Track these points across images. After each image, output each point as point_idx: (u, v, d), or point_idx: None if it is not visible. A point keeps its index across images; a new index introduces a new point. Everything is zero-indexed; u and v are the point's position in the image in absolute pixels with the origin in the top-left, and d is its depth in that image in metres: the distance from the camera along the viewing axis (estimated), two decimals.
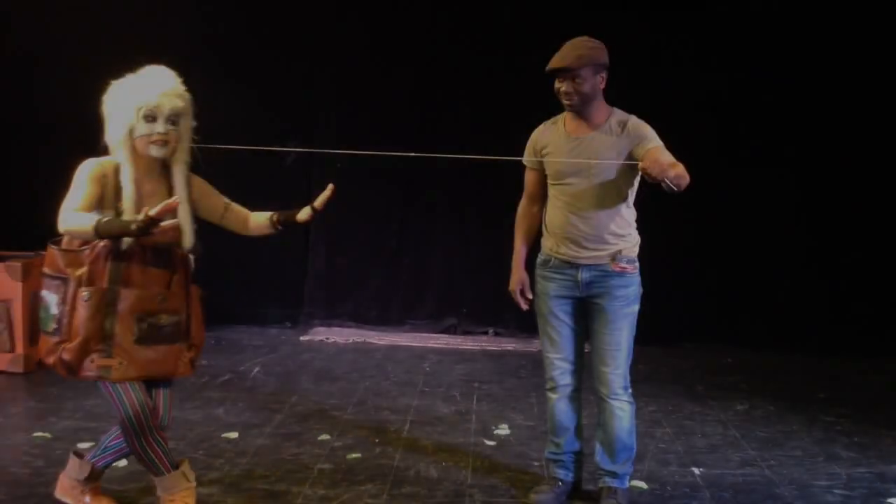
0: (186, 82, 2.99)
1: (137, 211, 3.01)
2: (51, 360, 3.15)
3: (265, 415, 4.67)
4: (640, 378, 3.69)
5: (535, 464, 4.06)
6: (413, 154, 4.01)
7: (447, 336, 6.59)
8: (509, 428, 4.56)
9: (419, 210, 6.65)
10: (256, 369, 5.59)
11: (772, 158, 6.33)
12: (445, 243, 6.66)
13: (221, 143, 4.09)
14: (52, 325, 3.12)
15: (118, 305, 3.09)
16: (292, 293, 6.80)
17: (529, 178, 3.65)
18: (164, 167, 3.19)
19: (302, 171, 6.63)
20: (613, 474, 3.57)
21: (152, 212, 2.87)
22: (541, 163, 3.56)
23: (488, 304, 6.54)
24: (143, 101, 3.05)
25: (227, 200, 3.39)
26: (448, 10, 6.43)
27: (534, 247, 3.68)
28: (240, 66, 6.44)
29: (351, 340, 6.42)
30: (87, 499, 3.38)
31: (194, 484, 3.35)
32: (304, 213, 3.38)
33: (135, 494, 3.57)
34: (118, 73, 3.17)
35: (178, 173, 3.18)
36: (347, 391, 5.18)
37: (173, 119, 3.10)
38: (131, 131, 3.06)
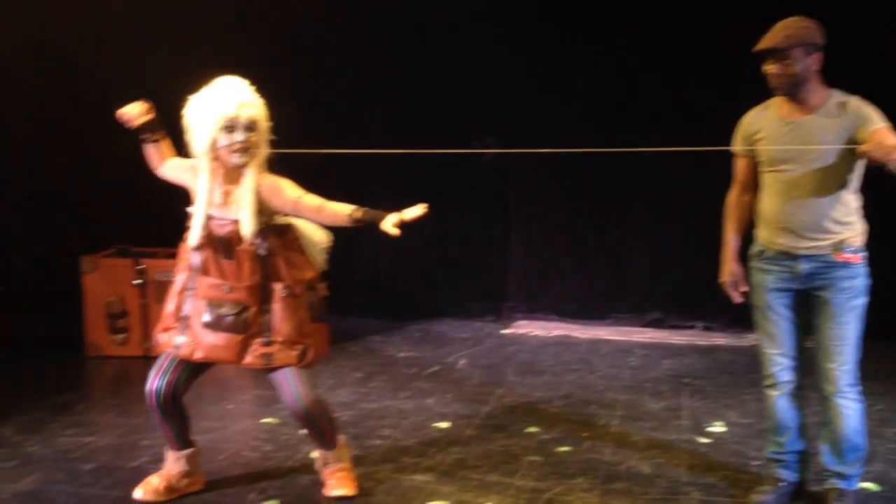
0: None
1: (217, 209, 3.39)
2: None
3: (474, 406, 4.76)
4: (866, 375, 3.47)
5: (755, 463, 3.92)
6: (622, 150, 3.95)
7: (652, 330, 6.45)
8: (724, 425, 4.43)
9: (622, 200, 6.54)
10: (463, 361, 5.71)
11: None
12: (649, 234, 6.52)
13: (419, 147, 4.23)
14: None
15: (196, 290, 3.45)
16: (494, 287, 6.88)
17: (740, 165, 3.53)
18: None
19: (499, 168, 6.70)
20: (841, 475, 3.40)
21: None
22: (753, 150, 3.44)
23: (696, 296, 6.34)
24: (221, 113, 3.29)
25: (299, 194, 3.45)
26: None
27: (746, 236, 3.56)
28: (432, 65, 6.58)
29: (553, 334, 6.42)
30: (331, 481, 3.59)
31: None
32: (389, 224, 3.27)
33: (386, 474, 3.73)
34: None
35: (248, 174, 3.40)
36: (553, 384, 5.19)
37: (250, 126, 3.32)
38: (214, 143, 3.33)
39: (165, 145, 3.55)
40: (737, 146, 3.51)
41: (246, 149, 3.34)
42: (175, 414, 3.54)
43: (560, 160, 6.27)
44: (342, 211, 3.40)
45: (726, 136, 3.56)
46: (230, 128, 3.30)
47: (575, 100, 6.42)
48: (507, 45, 6.51)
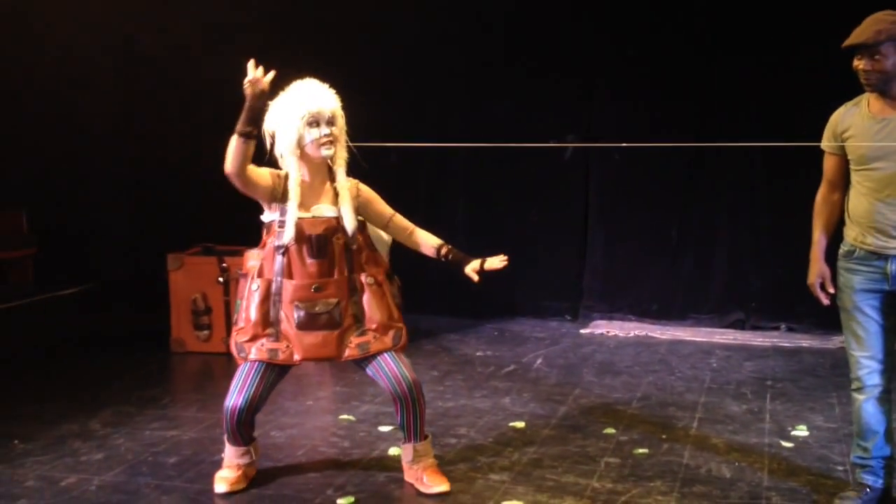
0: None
1: (306, 209, 3.47)
2: (231, 344, 3.61)
3: (550, 406, 4.73)
4: None
5: (839, 468, 3.82)
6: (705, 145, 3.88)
7: (734, 331, 6.31)
8: (808, 429, 4.32)
9: (703, 198, 6.42)
10: (539, 361, 5.68)
11: None
12: (732, 233, 6.38)
13: (503, 142, 4.22)
14: (235, 316, 3.60)
15: (282, 295, 3.47)
16: (572, 286, 6.83)
17: (829, 163, 3.43)
18: (329, 168, 3.54)
19: (580, 164, 6.65)
20: None
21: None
22: (842, 148, 3.34)
23: (779, 297, 6.19)
24: (305, 110, 3.40)
25: (392, 211, 3.67)
26: None
27: (834, 237, 3.46)
28: (512, 62, 6.55)
29: (632, 334, 6.34)
30: (425, 478, 3.63)
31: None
32: (471, 270, 3.60)
33: (461, 473, 3.72)
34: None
35: (340, 169, 3.52)
36: (631, 385, 5.13)
37: (331, 121, 3.45)
38: (300, 139, 3.42)
39: (252, 148, 3.39)
40: (826, 144, 3.42)
41: (332, 142, 3.45)
42: (249, 423, 3.65)
43: (641, 158, 6.19)
44: (430, 242, 3.69)
45: (815, 134, 3.47)
46: (315, 122, 3.42)
47: (657, 97, 6.32)
48: (588, 41, 6.46)
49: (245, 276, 3.61)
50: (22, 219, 7.37)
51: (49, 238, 7.38)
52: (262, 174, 3.49)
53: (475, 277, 3.59)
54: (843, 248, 3.38)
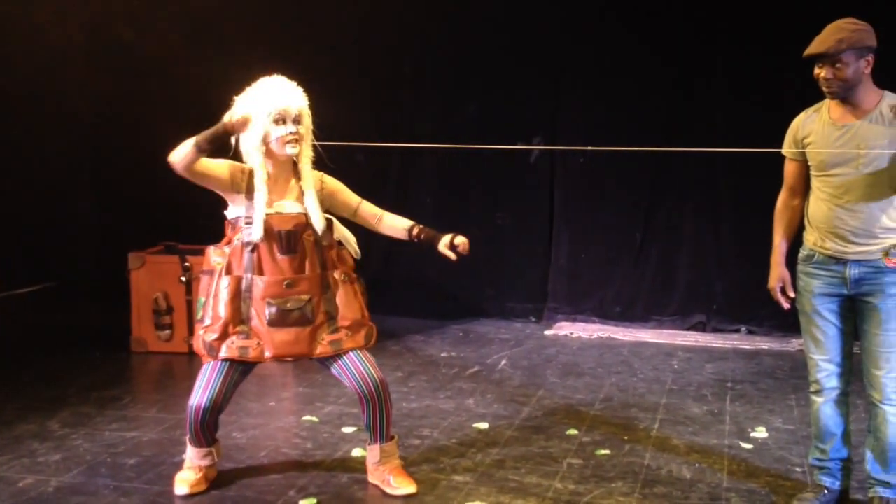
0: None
1: (271, 205, 3.44)
2: (196, 343, 3.53)
3: (513, 407, 4.75)
4: None
5: (798, 470, 3.87)
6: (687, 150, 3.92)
7: (696, 333, 6.39)
8: (767, 431, 4.37)
9: (667, 202, 6.48)
10: (503, 362, 5.70)
11: None
12: (694, 236, 6.45)
13: (472, 143, 4.22)
14: (200, 313, 3.52)
15: (252, 292, 3.44)
16: (536, 288, 6.86)
17: (790, 169, 3.48)
18: (294, 165, 3.53)
19: (545, 166, 6.67)
20: (886, 484, 3.34)
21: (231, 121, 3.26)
22: (803, 153, 3.39)
23: (740, 300, 6.27)
24: (272, 107, 3.38)
25: (359, 199, 3.65)
26: None
27: (794, 241, 3.51)
28: (480, 65, 6.57)
29: (595, 336, 6.38)
30: (392, 479, 3.63)
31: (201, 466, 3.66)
32: (444, 246, 3.57)
33: (424, 474, 3.72)
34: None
35: (305, 166, 3.51)
36: (594, 387, 5.16)
37: (298, 119, 3.43)
38: (265, 136, 3.40)
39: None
40: (787, 149, 3.46)
41: (297, 140, 3.43)
42: (213, 424, 3.61)
43: (606, 161, 6.24)
44: (401, 224, 3.66)
45: (777, 139, 3.51)
46: (281, 120, 3.40)
47: (622, 100, 6.37)
48: (554, 43, 6.49)
49: (207, 273, 3.55)
50: None
51: (8, 235, 7.27)
52: (217, 166, 3.44)
53: (451, 255, 3.56)
54: (802, 253, 3.43)
